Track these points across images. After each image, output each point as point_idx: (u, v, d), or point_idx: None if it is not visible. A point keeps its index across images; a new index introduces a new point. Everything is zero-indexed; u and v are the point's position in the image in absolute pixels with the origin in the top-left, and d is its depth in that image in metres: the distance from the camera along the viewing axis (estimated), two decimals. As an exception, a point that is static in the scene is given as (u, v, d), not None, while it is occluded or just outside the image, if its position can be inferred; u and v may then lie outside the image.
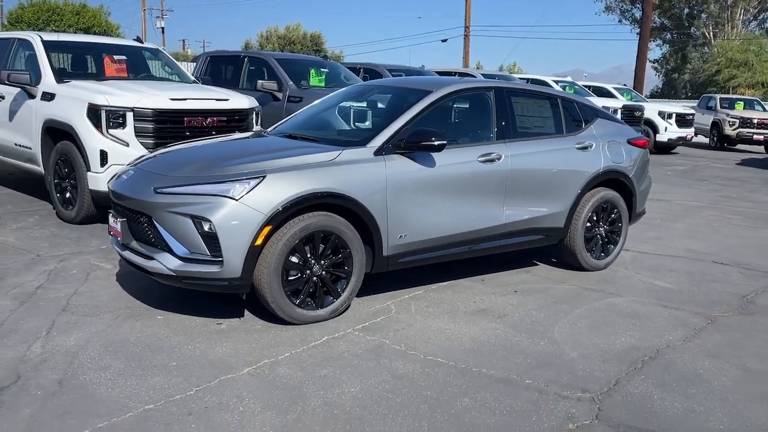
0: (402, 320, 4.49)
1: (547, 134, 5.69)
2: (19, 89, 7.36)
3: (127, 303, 4.61)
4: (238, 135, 5.82)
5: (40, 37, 7.66)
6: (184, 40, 75.84)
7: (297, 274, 4.24)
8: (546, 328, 4.43)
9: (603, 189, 5.81)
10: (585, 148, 5.67)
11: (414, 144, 4.59)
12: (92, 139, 6.49)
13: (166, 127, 6.69)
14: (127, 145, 6.49)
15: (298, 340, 4.06)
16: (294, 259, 4.21)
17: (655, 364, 3.91)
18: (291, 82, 9.61)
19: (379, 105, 5.65)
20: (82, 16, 46.50)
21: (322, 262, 4.33)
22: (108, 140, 6.46)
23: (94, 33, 46.08)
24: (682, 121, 18.67)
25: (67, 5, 46.68)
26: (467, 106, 5.48)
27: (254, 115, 7.49)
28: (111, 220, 4.58)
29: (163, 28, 61.78)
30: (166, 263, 4.11)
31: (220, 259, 4.01)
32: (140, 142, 6.51)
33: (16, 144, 7.58)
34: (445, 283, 5.35)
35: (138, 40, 8.71)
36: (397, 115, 4.82)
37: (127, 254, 4.40)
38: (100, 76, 7.89)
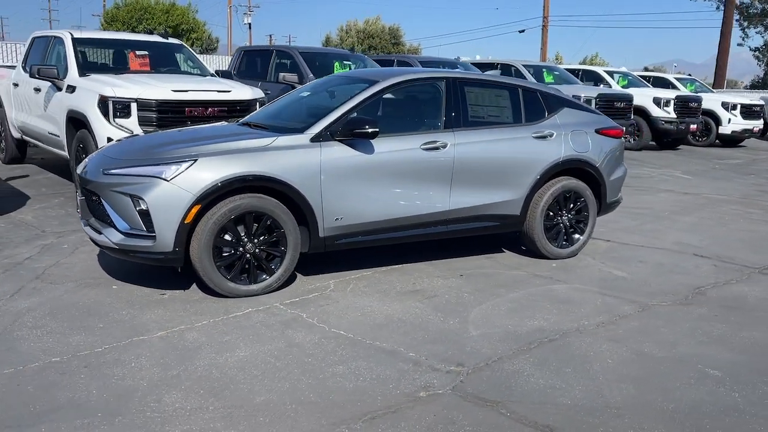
0: (332, 297, 4.78)
1: (503, 123, 5.80)
2: (50, 83, 8.11)
3: (95, 274, 5.12)
4: (210, 124, 6.27)
5: (71, 34, 8.39)
6: (270, 36, 78.11)
7: (230, 251, 4.60)
8: (465, 309, 4.60)
9: (565, 178, 5.85)
10: (544, 137, 5.73)
11: (348, 131, 4.85)
12: (101, 128, 7.11)
13: (167, 116, 7.22)
14: (132, 133, 7.06)
15: (222, 310, 4.43)
16: (226, 237, 4.57)
17: (549, 346, 4.02)
18: (311, 75, 10.01)
19: (335, 96, 5.92)
20: (171, 14, 48.82)
21: (255, 240, 4.67)
22: (114, 128, 7.06)
23: (181, 30, 48.35)
24: (749, 112, 17.77)
25: (158, 4, 49.05)
26: (416, 96, 5.66)
27: (258, 106, 7.91)
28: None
29: (249, 24, 63.93)
30: (111, 237, 4.58)
31: (154, 234, 4.43)
32: (144, 131, 7.06)
33: (49, 132, 8.36)
34: (398, 265, 5.58)
35: (164, 35, 9.33)
36: (340, 104, 5.09)
37: (87, 229, 4.90)
38: (124, 69, 8.56)
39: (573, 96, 8.36)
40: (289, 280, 5.07)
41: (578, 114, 6.09)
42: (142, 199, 4.41)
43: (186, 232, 4.46)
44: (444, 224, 5.37)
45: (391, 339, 4.04)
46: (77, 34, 8.47)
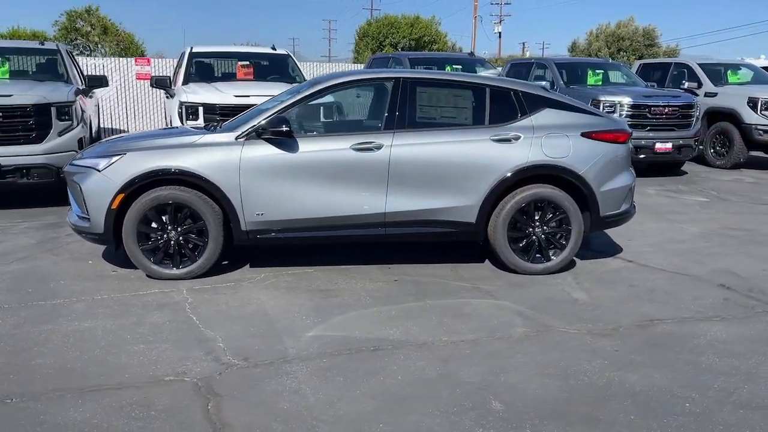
0: (240, 288, 5.03)
1: (459, 125, 5.48)
2: (164, 91, 9.47)
3: (91, 251, 6.00)
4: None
5: (191, 48, 9.70)
6: (524, 43, 77.68)
7: (155, 237, 5.12)
8: (339, 312, 4.53)
9: (537, 186, 5.32)
10: (506, 140, 5.29)
11: (266, 131, 5.07)
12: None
13: (227, 119, 8.02)
14: None
15: (131, 288, 4.97)
16: (152, 224, 5.09)
17: (359, 356, 3.83)
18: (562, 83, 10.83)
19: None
20: (414, 27, 51.37)
21: (179, 229, 5.13)
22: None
23: (424, 42, 50.65)
24: None
25: (404, 18, 51.95)
26: (363, 97, 5.61)
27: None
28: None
29: (500, 33, 64.51)
30: (70, 219, 5.39)
31: (88, 217, 5.13)
32: None
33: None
34: (349, 266, 5.59)
35: (273, 48, 10.26)
36: (274, 105, 5.32)
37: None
38: (230, 79, 9.64)
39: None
40: (231, 268, 5.45)
41: (563, 115, 5.47)
42: (81, 186, 5.12)
43: (113, 217, 5.06)
44: (382, 227, 5.27)
45: (223, 329, 4.20)
46: (195, 49, 9.74)
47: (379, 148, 5.15)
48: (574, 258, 5.62)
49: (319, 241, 5.37)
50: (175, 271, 5.16)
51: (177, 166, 5.03)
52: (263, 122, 5.10)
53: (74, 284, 5.05)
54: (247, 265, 5.57)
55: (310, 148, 5.14)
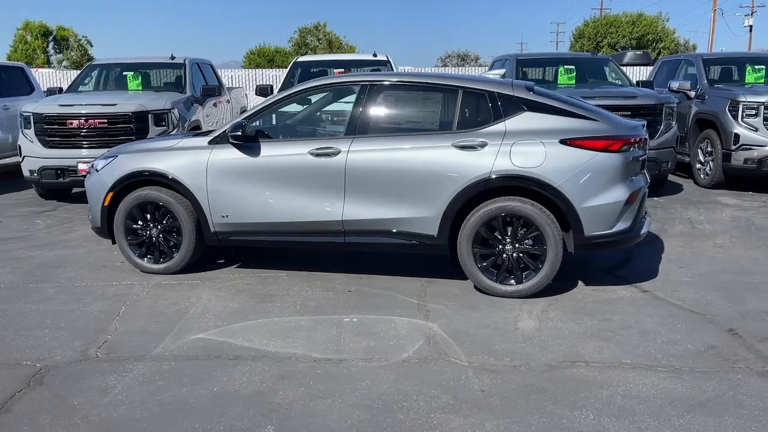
0: (195, 287, 5.20)
1: (424, 131, 5.11)
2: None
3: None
4: None
5: (296, 58, 10.21)
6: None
7: (140, 233, 5.54)
8: (243, 319, 4.50)
9: (505, 199, 4.78)
10: (471, 147, 4.81)
11: (227, 136, 5.21)
12: None
13: None
14: None
15: (111, 279, 5.44)
16: (136, 221, 5.52)
17: (196, 363, 3.81)
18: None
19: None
20: (636, 25, 48.00)
21: (158, 227, 5.49)
22: None
23: (646, 41, 47.12)
24: None
25: (625, 16, 48.75)
26: (331, 101, 5.44)
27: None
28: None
29: (750, 26, 57.61)
30: (88, 215, 6.05)
31: (90, 213, 5.71)
32: None
33: None
34: (320, 273, 5.51)
35: (374, 55, 10.35)
36: (248, 110, 5.44)
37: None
38: None
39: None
40: (215, 267, 5.69)
41: (545, 120, 4.82)
42: (86, 184, 5.72)
43: (106, 213, 5.57)
44: (341, 235, 5.12)
45: (129, 323, 4.42)
46: (300, 58, 10.20)
47: (336, 153, 5.01)
48: (582, 282, 4.95)
49: (285, 245, 5.37)
50: (154, 266, 5.52)
51: (151, 168, 5.37)
52: (227, 127, 5.24)
53: (72, 272, 5.64)
54: (234, 266, 5.75)
55: (272, 152, 5.16)
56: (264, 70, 24.91)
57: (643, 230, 4.91)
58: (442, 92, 5.12)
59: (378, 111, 5.09)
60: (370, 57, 10.30)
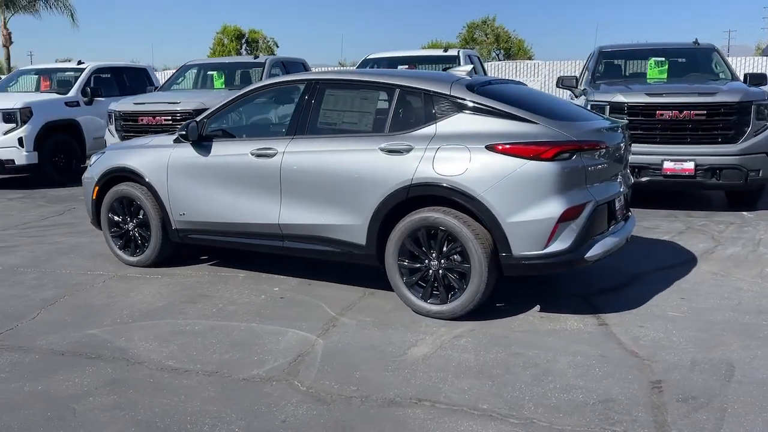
0: (151, 281, 5.35)
1: (357, 132, 4.75)
2: None
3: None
4: None
5: (367, 56, 10.10)
6: None
7: (120, 226, 5.81)
8: (147, 318, 4.53)
9: (431, 209, 4.33)
10: (397, 151, 4.42)
11: (182, 135, 5.27)
12: None
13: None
14: None
15: (92, 268, 5.76)
16: (117, 214, 5.80)
17: (33, 357, 3.88)
18: None
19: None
20: None
21: (134, 221, 5.73)
22: None
23: None
24: None
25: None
26: (280, 100, 5.24)
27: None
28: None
29: None
30: (91, 206, 6.44)
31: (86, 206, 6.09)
32: None
33: None
34: (274, 275, 5.40)
35: (445, 50, 9.87)
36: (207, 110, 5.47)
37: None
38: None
39: None
40: (191, 262, 5.80)
41: (480, 122, 4.27)
42: (83, 177, 6.11)
43: (96, 206, 5.91)
44: (279, 239, 4.97)
45: (44, 312, 4.64)
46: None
47: (273, 154, 4.86)
48: (539, 306, 4.46)
49: (236, 247, 5.30)
50: (129, 258, 5.76)
51: (125, 164, 5.60)
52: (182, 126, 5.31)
53: (70, 259, 6.05)
54: (210, 263, 5.82)
55: (220, 152, 5.14)
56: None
57: (593, 252, 4.16)
58: (380, 91, 4.74)
59: (316, 110, 4.85)
60: (440, 53, 9.87)
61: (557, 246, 4.06)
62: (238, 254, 5.85)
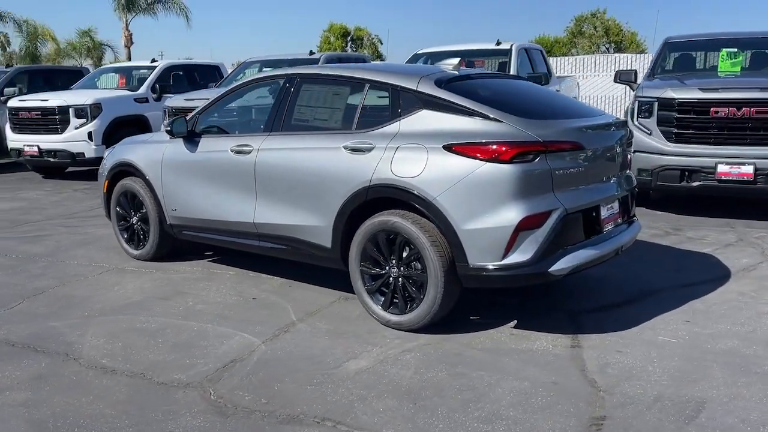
0: (141, 275, 5.39)
1: (327, 129, 4.53)
2: None
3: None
4: None
5: (417, 52, 9.82)
6: None
7: (127, 220, 5.92)
8: (109, 313, 4.54)
9: (389, 212, 4.06)
10: (359, 150, 4.17)
11: (169, 131, 5.27)
12: None
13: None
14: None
15: (98, 260, 5.91)
16: (121, 209, 5.91)
17: None
18: None
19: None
20: None
21: (137, 215, 5.82)
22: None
23: None
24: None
25: None
26: (262, 96, 5.07)
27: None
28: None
29: None
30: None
31: None
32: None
33: None
34: (264, 275, 5.30)
35: (497, 43, 9.38)
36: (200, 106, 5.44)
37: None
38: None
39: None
40: (194, 258, 5.81)
41: (443, 120, 3.94)
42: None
43: (107, 199, 6.06)
44: (256, 238, 4.85)
45: (25, 302, 4.77)
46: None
47: (249, 151, 4.75)
48: (516, 322, 4.14)
49: (223, 245, 5.23)
50: (132, 251, 5.85)
51: (127, 159, 5.68)
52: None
53: (85, 251, 6.23)
54: (207, 259, 5.82)
55: (205, 148, 5.10)
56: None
57: (560, 266, 3.72)
58: (351, 86, 4.48)
59: (292, 107, 4.67)
60: (491, 46, 9.39)
61: (516, 257, 3.66)
62: (236, 252, 5.78)
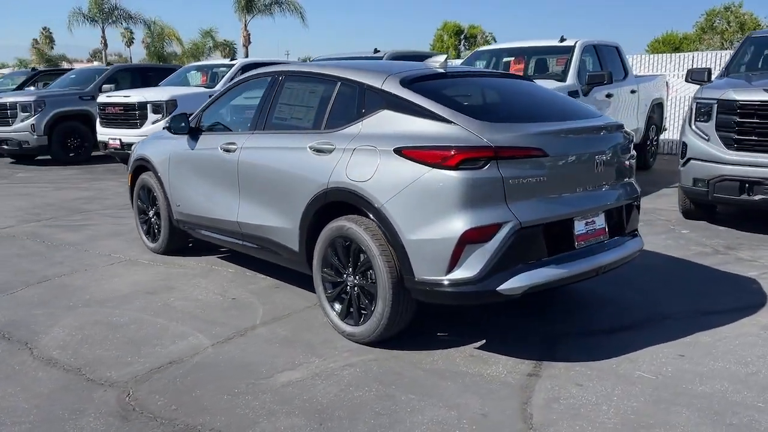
0: (147, 266, 5.50)
1: (300, 128, 4.40)
2: None
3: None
4: None
5: (476, 50, 9.42)
6: None
7: (145, 213, 6.06)
8: (89, 301, 4.64)
9: (346, 218, 3.85)
10: (322, 151, 3.99)
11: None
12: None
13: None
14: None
15: (120, 251, 6.12)
16: (141, 202, 6.08)
17: (-13, 336, 4.10)
18: None
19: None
20: None
21: (152, 209, 5.95)
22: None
23: None
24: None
25: None
26: (253, 94, 4.96)
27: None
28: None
29: None
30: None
31: None
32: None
33: None
34: (255, 273, 5.25)
35: (561, 39, 8.79)
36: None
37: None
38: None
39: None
40: (204, 253, 5.87)
41: (401, 121, 3.67)
42: (129, 164, 6.48)
43: (131, 192, 6.24)
44: (240, 237, 4.80)
45: (32, 282, 4.98)
46: (479, 49, 9.29)
47: (234, 149, 4.71)
48: (482, 342, 3.79)
49: (216, 242, 5.20)
50: (150, 244, 5.99)
51: (143, 154, 5.82)
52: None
53: (114, 241, 6.45)
54: (217, 256, 5.85)
55: (201, 145, 5.11)
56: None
57: (512, 285, 3.34)
58: (325, 84, 4.29)
59: (274, 105, 4.57)
60: (553, 43, 8.81)
61: (461, 273, 3.33)
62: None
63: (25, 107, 12.76)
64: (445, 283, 3.37)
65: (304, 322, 4.21)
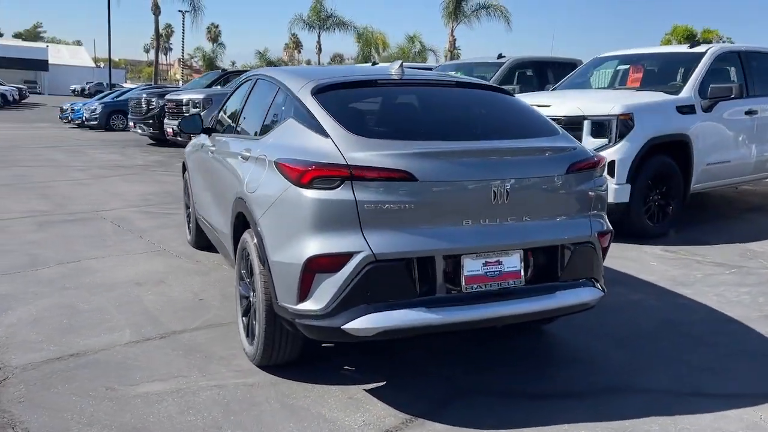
0: (165, 257, 5.75)
1: (246, 132, 4.31)
2: None
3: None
4: None
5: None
6: None
7: (187, 207, 6.35)
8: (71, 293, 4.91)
9: (247, 231, 3.66)
10: (244, 158, 3.83)
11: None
12: None
13: None
14: None
15: (150, 245, 6.49)
16: (185, 197, 6.36)
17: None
18: None
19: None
20: None
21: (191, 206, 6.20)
22: None
23: None
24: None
25: None
26: (239, 96, 4.87)
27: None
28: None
29: None
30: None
31: None
32: None
33: None
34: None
35: (690, 46, 7.49)
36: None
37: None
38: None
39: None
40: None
41: (294, 131, 3.40)
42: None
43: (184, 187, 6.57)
44: (216, 241, 4.84)
45: (39, 264, 5.44)
46: (603, 54, 8.44)
47: (214, 152, 4.74)
48: (373, 398, 3.49)
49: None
50: (188, 237, 6.25)
51: (185, 152, 6.08)
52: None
53: (163, 234, 6.75)
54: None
55: (205, 147, 5.20)
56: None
57: (360, 325, 2.88)
58: (271, 88, 4.07)
59: (243, 108, 4.51)
60: (682, 49, 7.55)
61: (309, 305, 2.97)
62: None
63: (195, 104, 14.17)
64: (297, 313, 3.02)
65: (231, 334, 4.06)
